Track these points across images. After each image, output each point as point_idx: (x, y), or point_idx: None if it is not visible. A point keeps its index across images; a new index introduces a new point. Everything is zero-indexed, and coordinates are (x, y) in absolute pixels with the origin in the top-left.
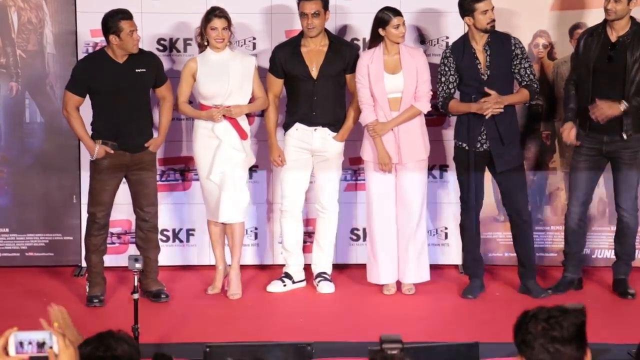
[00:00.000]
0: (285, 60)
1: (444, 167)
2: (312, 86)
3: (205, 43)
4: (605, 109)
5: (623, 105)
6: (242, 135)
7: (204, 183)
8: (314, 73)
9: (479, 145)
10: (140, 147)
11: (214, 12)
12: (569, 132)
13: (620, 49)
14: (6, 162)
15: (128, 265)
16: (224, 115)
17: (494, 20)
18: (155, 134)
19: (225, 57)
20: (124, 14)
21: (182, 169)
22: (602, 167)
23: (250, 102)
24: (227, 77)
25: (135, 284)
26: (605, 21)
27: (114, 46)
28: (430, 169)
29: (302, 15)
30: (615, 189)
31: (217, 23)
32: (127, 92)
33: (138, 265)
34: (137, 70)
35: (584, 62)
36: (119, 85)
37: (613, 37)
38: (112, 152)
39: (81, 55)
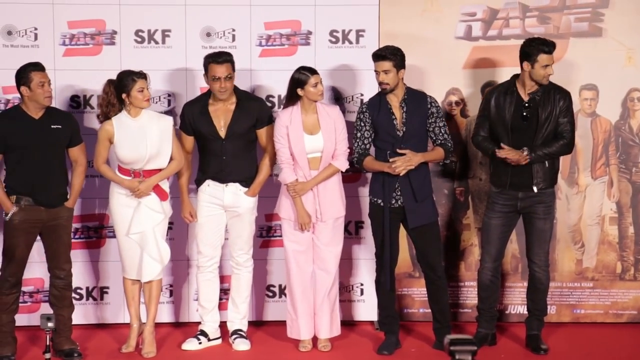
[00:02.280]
0: (193, 118)
1: (359, 224)
2: (220, 145)
3: (118, 108)
4: (511, 152)
5: (526, 151)
6: (162, 196)
7: (121, 240)
8: (222, 132)
9: (393, 202)
10: (56, 201)
11: (139, 74)
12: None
13: (532, 107)
14: None
15: (40, 325)
16: (142, 176)
17: (386, 84)
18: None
19: (143, 121)
20: (35, 66)
21: (96, 226)
22: (514, 223)
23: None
24: (144, 144)
25: (48, 344)
26: (514, 79)
27: (26, 99)
28: (346, 225)
29: (214, 79)
30: (528, 243)
31: (143, 84)
32: (42, 147)
33: (50, 325)
34: (52, 127)
35: (500, 121)
36: (34, 140)
37: (525, 96)
38: (23, 205)
39: None
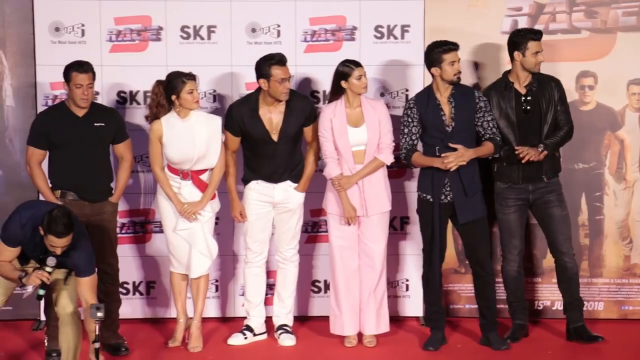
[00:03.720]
0: (243, 121)
1: (404, 219)
2: (273, 148)
3: (167, 109)
4: (531, 151)
5: (541, 147)
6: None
7: (169, 236)
8: (275, 136)
9: (443, 197)
10: (100, 197)
11: (189, 75)
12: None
13: (533, 99)
14: None
15: (90, 314)
16: (191, 176)
17: (460, 72)
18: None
19: (191, 122)
20: (78, 67)
21: (142, 221)
22: (527, 215)
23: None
24: (193, 145)
25: (97, 333)
26: (506, 76)
27: (69, 96)
28: (392, 220)
29: (282, 80)
30: (550, 235)
31: (192, 85)
32: (85, 144)
33: (100, 314)
34: (95, 124)
35: (504, 119)
36: (76, 137)
37: (522, 89)
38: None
39: (40, 108)
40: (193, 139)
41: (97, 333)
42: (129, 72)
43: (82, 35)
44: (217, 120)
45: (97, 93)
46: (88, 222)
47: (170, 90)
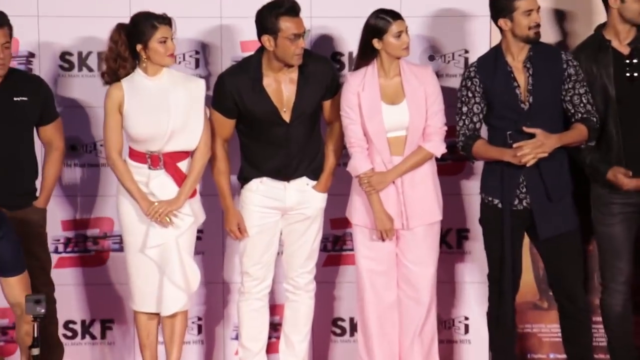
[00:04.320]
0: (241, 96)
1: (463, 233)
2: (285, 132)
3: (131, 65)
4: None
5: None
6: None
7: (133, 259)
8: (286, 115)
9: (516, 202)
10: (21, 201)
11: (161, 18)
12: (624, 176)
13: (639, 62)
14: None
15: (26, 310)
16: (163, 162)
17: (539, 26)
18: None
19: (164, 82)
20: None
21: (95, 235)
22: (637, 230)
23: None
24: (165, 113)
25: (35, 335)
26: (600, 31)
27: None
28: (444, 235)
29: (295, 37)
30: None
31: (167, 31)
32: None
33: (40, 309)
34: (14, 99)
35: (599, 92)
36: None
37: (623, 48)
38: None
39: None
40: (166, 104)
41: (35, 335)
42: (76, 25)
43: None
44: (200, 84)
45: (32, 55)
46: None
47: (135, 38)
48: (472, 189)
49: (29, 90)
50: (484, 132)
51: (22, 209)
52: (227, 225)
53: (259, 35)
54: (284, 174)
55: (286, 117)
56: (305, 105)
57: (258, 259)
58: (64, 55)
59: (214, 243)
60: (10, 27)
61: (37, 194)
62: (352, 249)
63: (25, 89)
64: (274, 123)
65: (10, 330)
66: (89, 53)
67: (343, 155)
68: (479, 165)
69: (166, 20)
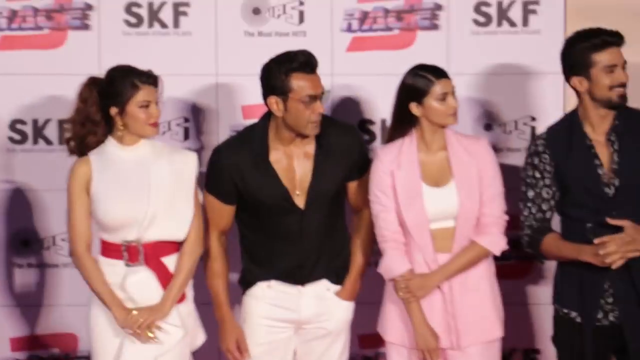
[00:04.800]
0: (241, 175)
1: (531, 354)
2: (298, 221)
3: (102, 131)
4: None
5: None
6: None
7: None
8: (300, 199)
9: (600, 316)
10: None
11: (145, 76)
12: None
13: None
14: None
15: None
16: (144, 255)
17: (625, 86)
18: None
19: (143, 152)
20: None
21: (55, 356)
22: None
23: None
24: (146, 191)
25: None
26: None
27: None
28: (507, 356)
29: (310, 99)
30: None
31: (150, 93)
32: None
33: None
34: None
35: None
36: None
37: None
38: None
39: None
40: (146, 180)
41: None
42: (32, 85)
43: None
44: (190, 157)
45: None
46: None
47: (109, 99)
48: (542, 297)
49: None
50: (555, 223)
51: None
52: (223, 344)
53: (265, 96)
54: (298, 275)
55: (300, 202)
56: (325, 187)
57: None
58: (14, 125)
59: None
60: None
61: None
62: None
63: None
64: (284, 210)
65: None
66: (47, 121)
67: (374, 252)
68: (550, 267)
69: (151, 79)
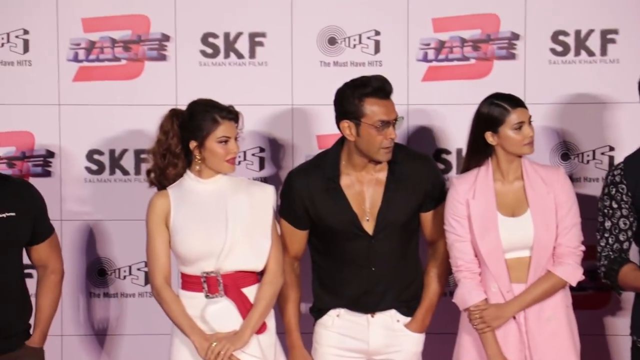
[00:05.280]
0: (312, 199)
1: None
2: (366, 247)
3: (182, 164)
4: None
5: None
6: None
7: None
8: (369, 225)
9: None
10: (10, 342)
11: (224, 111)
12: None
13: None
14: None
15: None
16: (224, 286)
17: None
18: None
19: (221, 186)
20: None
21: None
22: None
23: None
24: (224, 223)
25: None
26: None
27: None
28: None
29: (383, 125)
30: None
31: (230, 129)
32: None
33: None
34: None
35: None
36: None
37: None
38: None
39: None
40: (224, 212)
41: None
42: (108, 117)
43: (25, 49)
44: (268, 190)
45: (51, 155)
46: None
47: (189, 132)
48: (619, 328)
49: (17, 201)
50: (634, 254)
51: (12, 352)
52: None
53: (338, 121)
54: (366, 303)
55: (369, 228)
56: (395, 215)
57: None
58: (91, 155)
59: None
60: None
61: (31, 331)
62: None
63: (12, 200)
64: (352, 235)
65: None
66: (124, 151)
67: (449, 284)
68: (629, 298)
69: (231, 115)
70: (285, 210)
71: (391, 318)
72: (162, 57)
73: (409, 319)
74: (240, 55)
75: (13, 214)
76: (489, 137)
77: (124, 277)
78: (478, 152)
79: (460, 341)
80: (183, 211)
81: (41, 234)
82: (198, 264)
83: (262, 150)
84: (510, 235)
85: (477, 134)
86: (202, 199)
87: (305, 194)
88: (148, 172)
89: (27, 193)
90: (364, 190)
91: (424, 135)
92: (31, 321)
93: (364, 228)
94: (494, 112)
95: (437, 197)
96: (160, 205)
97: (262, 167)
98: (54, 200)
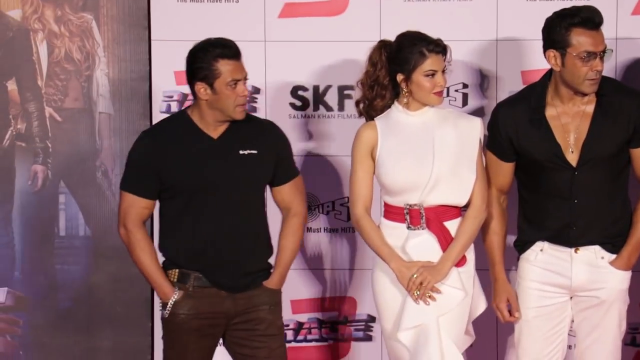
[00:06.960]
0: (517, 130)
1: None
2: (568, 180)
3: (390, 96)
4: None
5: None
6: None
7: (388, 345)
8: (573, 157)
9: None
10: (248, 281)
11: (432, 45)
12: None
13: None
14: (25, 307)
15: None
16: (426, 219)
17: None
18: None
19: (429, 118)
20: (223, 48)
21: (333, 320)
22: None
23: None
24: (430, 156)
25: None
26: None
27: (202, 104)
28: None
29: (589, 56)
30: None
31: (438, 62)
32: (223, 188)
33: None
34: (241, 152)
35: None
36: (210, 176)
37: None
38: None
39: (158, 117)
40: (430, 145)
41: None
42: (312, 53)
43: None
44: (475, 122)
45: (257, 91)
46: (228, 328)
47: (396, 65)
48: None
49: (259, 139)
50: None
51: (250, 291)
52: (494, 301)
53: (545, 49)
54: (568, 237)
55: (572, 159)
56: (600, 147)
57: (537, 354)
58: (295, 91)
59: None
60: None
61: (271, 270)
62: None
63: (254, 138)
64: (555, 167)
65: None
66: (328, 87)
67: None
68: None
69: (439, 48)
70: (491, 142)
71: (595, 254)
72: None
73: (614, 256)
74: None
75: (255, 151)
76: None
77: (327, 212)
78: None
79: None
80: (390, 142)
81: (284, 175)
82: (402, 196)
83: (465, 86)
84: None
85: None
86: (409, 131)
87: (510, 126)
88: (357, 102)
89: (271, 133)
90: (570, 123)
91: (636, 67)
92: (271, 261)
93: (567, 160)
94: None
95: None
96: (367, 135)
97: (465, 103)
98: None
